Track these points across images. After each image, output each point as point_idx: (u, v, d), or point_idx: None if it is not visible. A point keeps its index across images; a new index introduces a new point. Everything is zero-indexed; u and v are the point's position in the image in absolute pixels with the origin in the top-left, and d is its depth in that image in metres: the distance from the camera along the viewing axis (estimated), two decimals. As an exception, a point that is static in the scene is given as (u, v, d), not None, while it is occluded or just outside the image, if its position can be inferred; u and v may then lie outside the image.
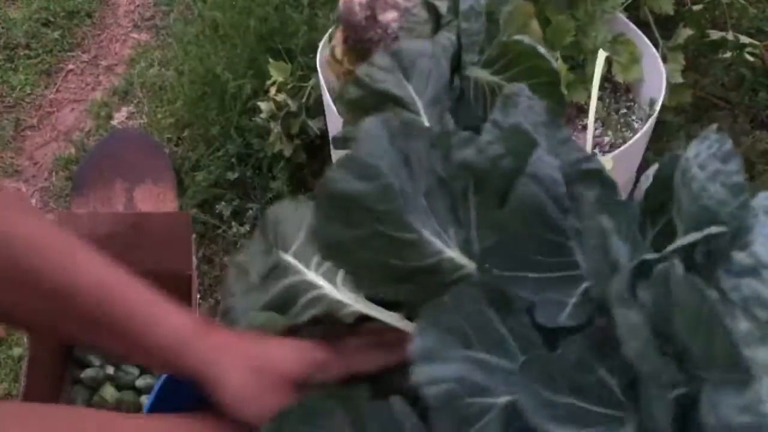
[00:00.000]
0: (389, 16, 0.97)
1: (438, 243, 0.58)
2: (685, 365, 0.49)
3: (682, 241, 0.53)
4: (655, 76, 1.37)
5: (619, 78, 1.39)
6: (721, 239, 0.53)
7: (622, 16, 1.44)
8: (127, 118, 1.94)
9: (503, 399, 0.51)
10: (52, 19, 2.18)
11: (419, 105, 0.69)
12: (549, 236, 0.56)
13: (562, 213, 0.57)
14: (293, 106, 1.59)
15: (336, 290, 0.64)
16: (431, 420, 0.50)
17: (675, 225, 0.56)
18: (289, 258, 0.67)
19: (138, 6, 2.27)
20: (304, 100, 1.60)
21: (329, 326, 0.65)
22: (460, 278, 0.58)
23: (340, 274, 0.64)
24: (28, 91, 2.03)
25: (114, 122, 1.93)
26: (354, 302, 0.63)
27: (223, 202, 1.62)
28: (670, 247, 0.54)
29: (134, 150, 1.65)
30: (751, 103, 1.75)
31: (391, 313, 0.63)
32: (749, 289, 0.50)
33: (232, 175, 1.67)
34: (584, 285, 0.56)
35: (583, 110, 1.38)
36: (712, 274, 0.52)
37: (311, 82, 1.60)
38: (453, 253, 0.58)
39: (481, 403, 0.51)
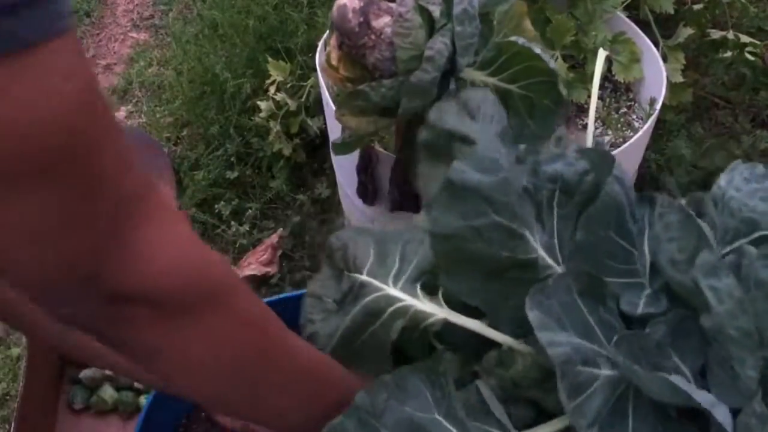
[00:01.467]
0: (383, 22, 0.97)
1: (533, 241, 0.63)
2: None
3: (731, 246, 0.61)
4: (656, 75, 1.37)
5: (620, 77, 1.39)
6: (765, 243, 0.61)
7: (622, 15, 1.43)
8: (126, 117, 1.94)
9: (606, 372, 0.58)
10: (50, 18, 2.18)
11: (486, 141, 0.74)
12: (620, 241, 0.64)
13: (632, 220, 0.65)
14: (292, 105, 1.59)
15: (419, 301, 0.68)
16: (558, 383, 0.56)
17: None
18: (365, 278, 0.71)
19: (137, 5, 2.26)
20: (303, 99, 1.60)
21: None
22: (546, 277, 0.64)
23: (419, 288, 0.69)
24: (27, 91, 2.03)
25: (113, 121, 1.93)
26: (439, 312, 0.67)
27: (222, 202, 1.62)
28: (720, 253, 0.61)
29: (133, 149, 1.65)
30: (752, 102, 1.75)
31: (474, 320, 0.66)
32: None
33: (231, 175, 1.67)
34: (647, 291, 0.64)
35: (583, 110, 1.38)
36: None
37: (310, 81, 1.60)
38: (543, 253, 0.64)
39: (589, 372, 0.58)
